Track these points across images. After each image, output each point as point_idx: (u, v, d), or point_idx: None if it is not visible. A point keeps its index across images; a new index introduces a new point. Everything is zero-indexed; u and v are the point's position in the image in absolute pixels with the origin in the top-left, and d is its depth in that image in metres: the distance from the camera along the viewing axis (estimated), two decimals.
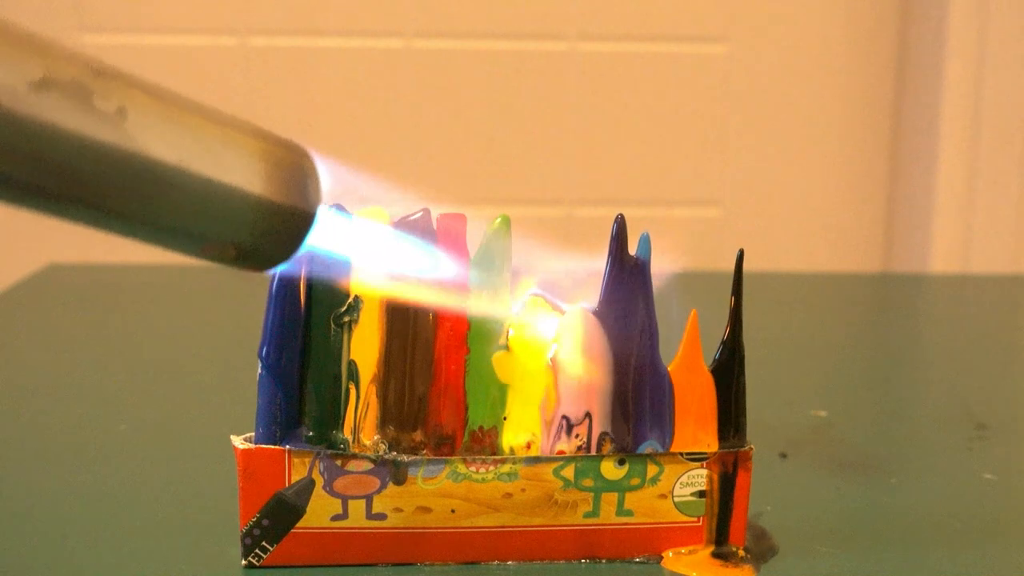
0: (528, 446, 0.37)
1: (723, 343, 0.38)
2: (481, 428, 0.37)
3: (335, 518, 0.37)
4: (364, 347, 0.36)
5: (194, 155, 0.27)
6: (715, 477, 0.38)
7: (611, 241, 0.37)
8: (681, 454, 0.38)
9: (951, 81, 1.28)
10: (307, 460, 0.36)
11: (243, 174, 0.28)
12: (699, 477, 0.38)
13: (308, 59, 1.30)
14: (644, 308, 0.37)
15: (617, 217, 0.37)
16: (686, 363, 0.38)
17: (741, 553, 0.38)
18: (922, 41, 1.32)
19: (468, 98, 1.32)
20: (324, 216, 0.31)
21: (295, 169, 0.29)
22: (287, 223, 0.29)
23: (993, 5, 1.27)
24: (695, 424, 0.38)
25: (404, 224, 0.36)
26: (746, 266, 0.38)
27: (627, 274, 0.37)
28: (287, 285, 0.35)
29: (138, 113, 0.25)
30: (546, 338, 0.37)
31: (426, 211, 0.36)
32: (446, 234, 0.36)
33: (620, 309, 0.37)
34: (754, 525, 0.41)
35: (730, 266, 0.38)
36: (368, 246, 0.35)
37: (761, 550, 0.39)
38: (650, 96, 1.34)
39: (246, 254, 0.29)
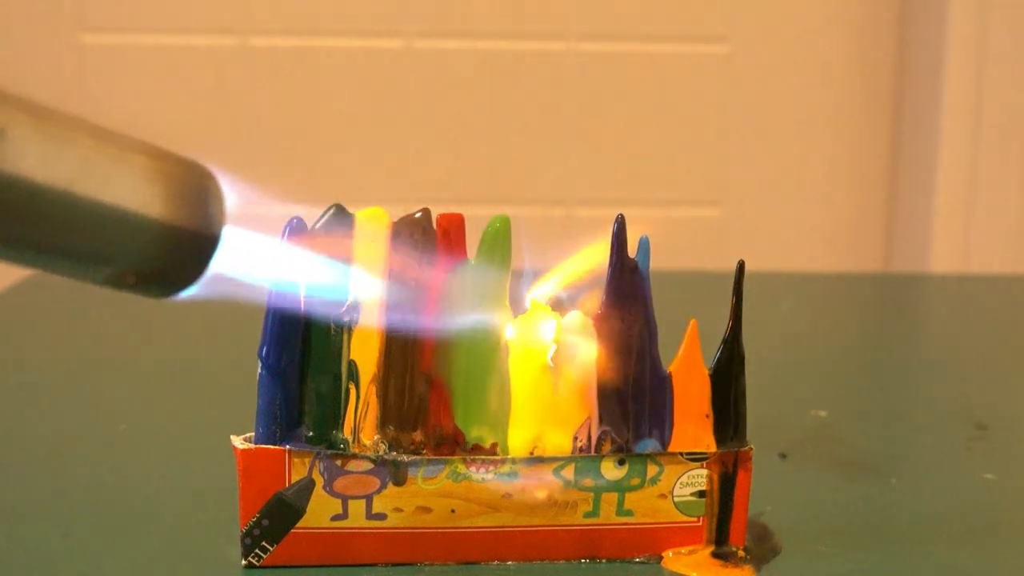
0: (532, 452, 0.37)
1: (723, 344, 0.38)
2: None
3: (335, 518, 0.37)
4: (364, 347, 0.36)
5: (83, 178, 0.25)
6: (715, 477, 0.38)
7: (611, 241, 0.37)
8: (681, 454, 0.38)
9: (951, 81, 1.28)
10: (307, 460, 0.36)
11: (137, 197, 0.26)
12: (699, 477, 0.38)
13: (308, 59, 1.30)
14: (643, 310, 0.37)
15: (617, 217, 0.37)
16: (685, 365, 0.38)
17: (741, 553, 0.38)
18: (922, 41, 1.32)
19: (468, 98, 1.32)
20: (230, 238, 0.29)
21: (195, 190, 0.28)
22: (188, 246, 0.28)
23: (993, 5, 1.27)
24: (695, 425, 0.38)
25: (401, 224, 0.36)
26: (746, 266, 0.38)
27: (627, 276, 0.37)
28: (287, 286, 0.35)
29: (21, 136, 0.24)
30: (546, 339, 0.37)
31: (426, 211, 0.36)
32: (445, 234, 0.36)
33: (619, 310, 0.37)
34: (757, 525, 0.41)
35: (730, 266, 0.38)
36: (279, 268, 0.34)
37: (763, 551, 0.39)
38: (650, 96, 1.34)
39: (147, 280, 0.28)
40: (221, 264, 0.29)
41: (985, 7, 1.27)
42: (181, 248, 0.28)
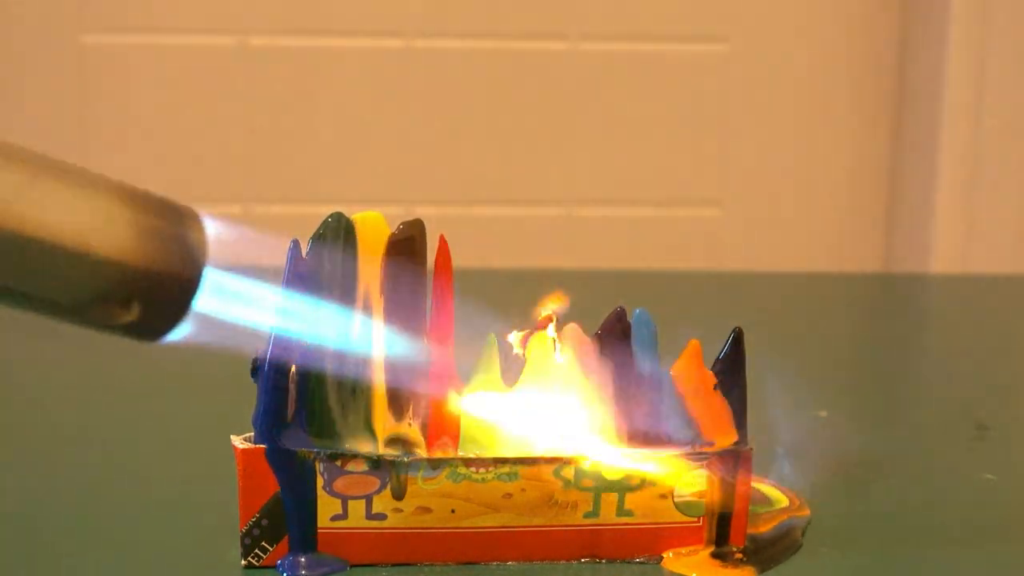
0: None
1: (725, 345, 0.38)
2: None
3: (335, 518, 0.37)
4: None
5: (45, 220, 0.25)
6: (715, 478, 0.38)
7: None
8: (681, 455, 0.38)
9: (952, 81, 1.28)
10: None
11: (100, 238, 0.26)
12: (699, 477, 0.38)
13: (308, 59, 1.30)
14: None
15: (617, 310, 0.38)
16: (686, 368, 0.38)
17: (739, 555, 0.38)
18: (923, 41, 1.32)
19: (468, 98, 1.32)
20: (211, 282, 0.28)
21: (170, 232, 0.27)
22: (164, 289, 0.27)
23: (993, 5, 1.27)
24: (711, 424, 0.38)
25: (398, 229, 0.36)
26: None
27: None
28: (295, 291, 0.35)
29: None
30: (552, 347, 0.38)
31: (419, 220, 0.36)
32: (440, 263, 0.37)
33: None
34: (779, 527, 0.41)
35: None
36: (263, 311, 0.33)
37: (777, 551, 0.39)
38: (650, 96, 1.34)
39: (125, 323, 0.27)
40: (207, 307, 0.28)
41: (985, 7, 1.27)
42: (155, 291, 0.27)
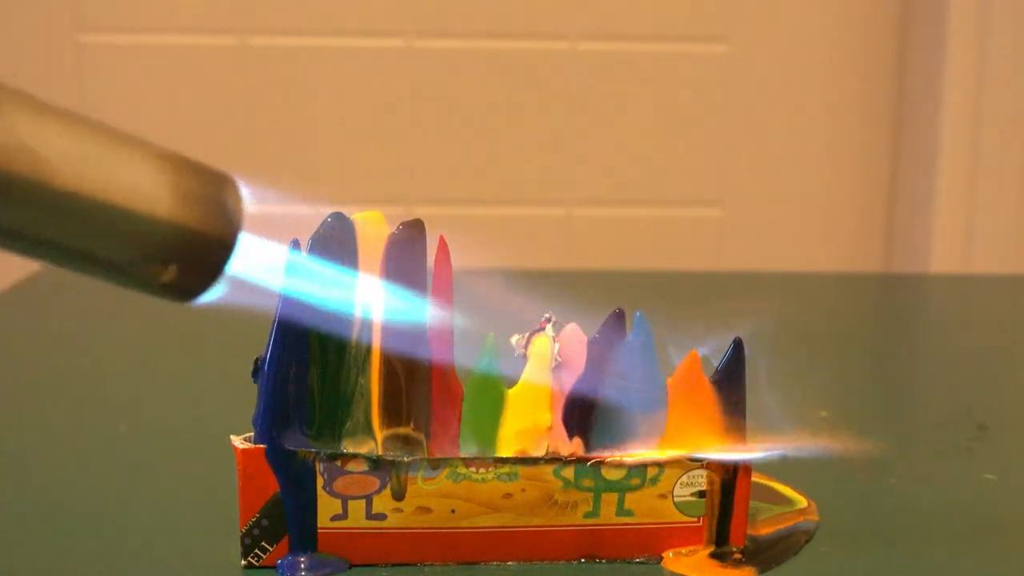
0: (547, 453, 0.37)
1: (725, 355, 0.38)
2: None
3: (335, 518, 0.37)
4: (371, 352, 0.36)
5: (89, 175, 0.26)
6: (716, 478, 0.38)
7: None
8: (682, 455, 0.38)
9: (951, 81, 1.28)
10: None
11: (146, 197, 0.27)
12: (699, 477, 0.38)
13: (308, 59, 1.30)
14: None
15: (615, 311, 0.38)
16: (685, 375, 0.38)
17: (738, 555, 0.38)
18: (922, 41, 1.32)
19: (468, 98, 1.32)
20: (246, 245, 0.29)
21: (209, 194, 0.28)
22: (201, 250, 0.28)
23: (993, 5, 1.27)
24: (700, 429, 0.38)
25: (398, 230, 0.36)
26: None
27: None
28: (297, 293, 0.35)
29: (28, 131, 0.25)
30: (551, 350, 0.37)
31: (419, 220, 0.36)
32: (439, 263, 0.36)
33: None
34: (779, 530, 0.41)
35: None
36: (292, 277, 0.34)
37: (777, 552, 0.39)
38: (650, 96, 1.34)
39: (160, 283, 0.28)
40: (239, 269, 0.29)
41: (985, 7, 1.27)
42: (192, 252, 0.28)
